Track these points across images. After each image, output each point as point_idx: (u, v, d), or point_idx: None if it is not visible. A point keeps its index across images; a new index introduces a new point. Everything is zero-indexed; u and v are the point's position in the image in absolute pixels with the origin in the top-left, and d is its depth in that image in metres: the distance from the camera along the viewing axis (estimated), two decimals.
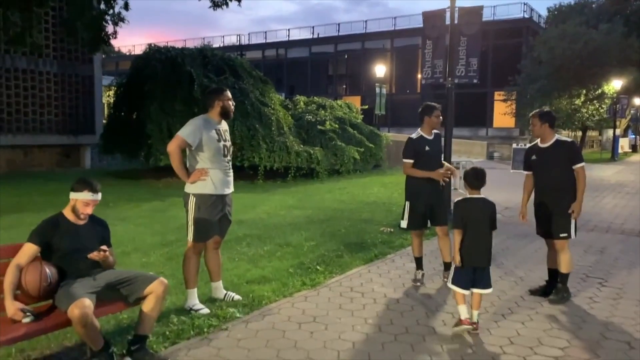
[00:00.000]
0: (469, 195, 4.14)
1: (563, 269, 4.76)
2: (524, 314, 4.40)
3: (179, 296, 4.62)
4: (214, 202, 4.35)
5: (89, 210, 3.39)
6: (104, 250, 3.29)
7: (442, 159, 5.45)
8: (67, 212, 3.36)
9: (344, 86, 49.12)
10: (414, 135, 5.33)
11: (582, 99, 27.53)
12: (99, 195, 3.42)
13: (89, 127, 19.57)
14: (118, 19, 15.57)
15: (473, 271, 3.96)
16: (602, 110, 28.18)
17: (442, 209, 5.28)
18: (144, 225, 8.74)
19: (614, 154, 29.16)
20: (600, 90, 27.46)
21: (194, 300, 4.39)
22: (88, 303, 2.92)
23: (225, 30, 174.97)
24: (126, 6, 15.52)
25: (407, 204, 5.27)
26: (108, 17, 15.24)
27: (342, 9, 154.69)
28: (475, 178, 4.10)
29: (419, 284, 5.20)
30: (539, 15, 41.23)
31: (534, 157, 5.00)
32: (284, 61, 49.57)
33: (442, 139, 5.56)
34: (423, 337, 3.86)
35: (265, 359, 3.46)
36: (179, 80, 15.36)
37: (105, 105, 21.56)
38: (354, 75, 47.14)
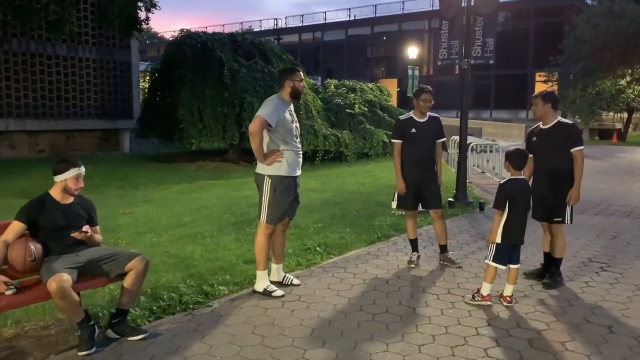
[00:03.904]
0: (512, 177, 4.29)
1: (557, 253, 4.70)
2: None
3: (175, 274, 4.82)
4: (288, 184, 4.37)
5: (82, 184, 3.60)
6: (85, 232, 3.47)
7: (440, 141, 5.36)
8: (55, 193, 3.55)
9: (383, 69, 48.60)
10: (402, 117, 5.41)
11: (628, 78, 26.31)
12: (83, 167, 3.61)
13: (127, 111, 20.16)
14: (150, 5, 15.97)
15: (512, 248, 4.20)
16: None
17: (433, 192, 5.25)
18: (166, 206, 9.03)
19: None
20: None
21: (266, 282, 4.39)
22: (66, 277, 3.12)
23: (268, 14, 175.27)
24: None
25: None
26: (140, 4, 15.65)
27: None
28: (521, 158, 4.31)
29: (413, 265, 5.24)
30: None
31: (534, 138, 4.92)
32: (321, 44, 49.39)
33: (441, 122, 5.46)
34: (400, 317, 3.91)
35: (240, 334, 3.60)
36: (209, 64, 15.64)
37: (142, 90, 22.15)
38: (391, 57, 46.55)
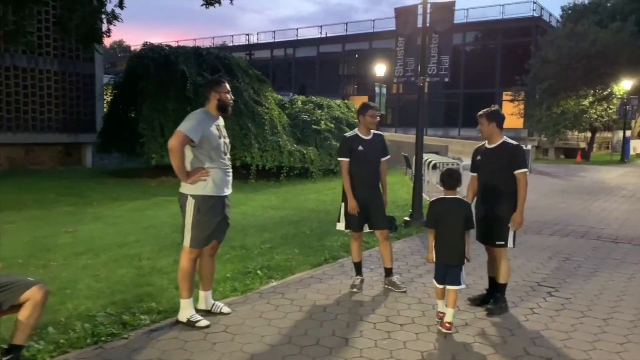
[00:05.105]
0: (443, 195, 4.23)
1: (500, 278, 4.50)
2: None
3: (97, 301, 4.47)
4: (214, 204, 4.06)
5: None
6: None
7: (384, 159, 5.17)
8: None
9: (355, 86, 48.74)
10: (348, 134, 5.20)
11: (591, 99, 26.88)
12: None
13: (90, 125, 19.66)
14: (112, 17, 15.55)
15: (445, 268, 4.10)
16: (610, 111, 27.50)
17: (379, 212, 5.04)
18: (114, 225, 8.64)
19: (623, 156, 28.42)
20: (609, 90, 26.78)
21: (190, 311, 4.07)
22: None
23: (245, 30, 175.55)
24: (121, 4, 15.49)
25: (342, 205, 5.09)
26: (103, 16, 15.24)
27: (362, 8, 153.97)
28: (449, 178, 4.20)
29: (355, 290, 4.98)
30: (550, 15, 40.41)
31: (478, 157, 4.75)
32: (293, 61, 49.36)
33: (385, 140, 5.28)
34: (330, 350, 3.64)
35: None
36: (171, 78, 15.32)
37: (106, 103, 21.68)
38: (363, 75, 46.74)
